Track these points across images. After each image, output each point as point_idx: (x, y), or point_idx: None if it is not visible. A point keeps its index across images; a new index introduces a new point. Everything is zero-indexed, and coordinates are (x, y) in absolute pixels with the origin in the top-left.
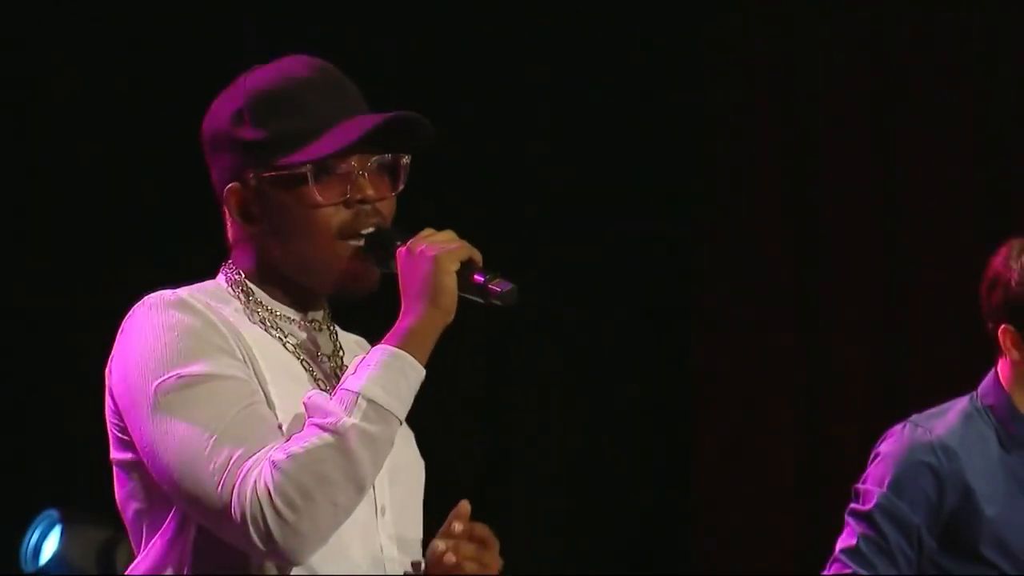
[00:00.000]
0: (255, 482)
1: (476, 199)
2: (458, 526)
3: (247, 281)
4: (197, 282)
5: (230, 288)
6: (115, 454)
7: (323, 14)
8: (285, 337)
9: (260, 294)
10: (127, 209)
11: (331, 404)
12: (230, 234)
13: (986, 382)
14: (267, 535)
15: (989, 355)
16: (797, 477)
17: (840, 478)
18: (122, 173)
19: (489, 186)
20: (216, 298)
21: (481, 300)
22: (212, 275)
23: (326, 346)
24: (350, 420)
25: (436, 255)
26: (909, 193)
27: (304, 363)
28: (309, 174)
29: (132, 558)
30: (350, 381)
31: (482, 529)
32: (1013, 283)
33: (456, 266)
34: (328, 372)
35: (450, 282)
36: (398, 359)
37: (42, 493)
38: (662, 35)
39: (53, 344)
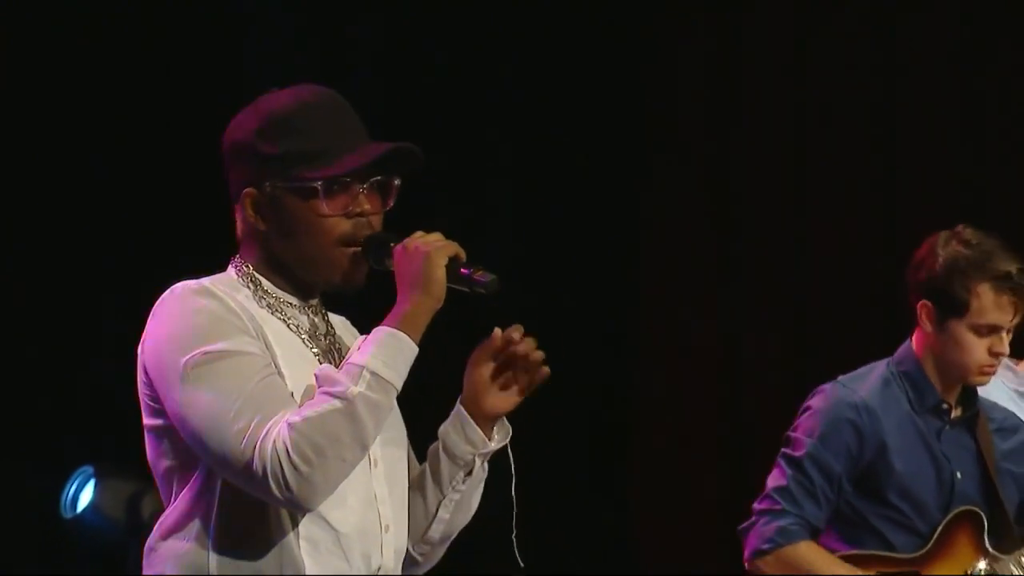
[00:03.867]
0: (274, 441)
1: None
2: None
3: (255, 272)
4: (211, 274)
5: (240, 278)
6: (147, 420)
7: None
8: (288, 320)
9: (266, 283)
10: (159, 202)
11: (340, 375)
12: (240, 231)
13: (902, 350)
14: (285, 486)
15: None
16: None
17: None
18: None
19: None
20: (229, 286)
21: (467, 289)
22: (222, 267)
23: (321, 327)
24: (356, 389)
25: (428, 251)
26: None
27: (305, 342)
28: (320, 188)
29: (158, 507)
30: (356, 356)
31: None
32: (936, 267)
33: (445, 261)
34: (325, 348)
35: (440, 274)
36: (396, 338)
37: (79, 450)
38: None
39: (88, 323)
